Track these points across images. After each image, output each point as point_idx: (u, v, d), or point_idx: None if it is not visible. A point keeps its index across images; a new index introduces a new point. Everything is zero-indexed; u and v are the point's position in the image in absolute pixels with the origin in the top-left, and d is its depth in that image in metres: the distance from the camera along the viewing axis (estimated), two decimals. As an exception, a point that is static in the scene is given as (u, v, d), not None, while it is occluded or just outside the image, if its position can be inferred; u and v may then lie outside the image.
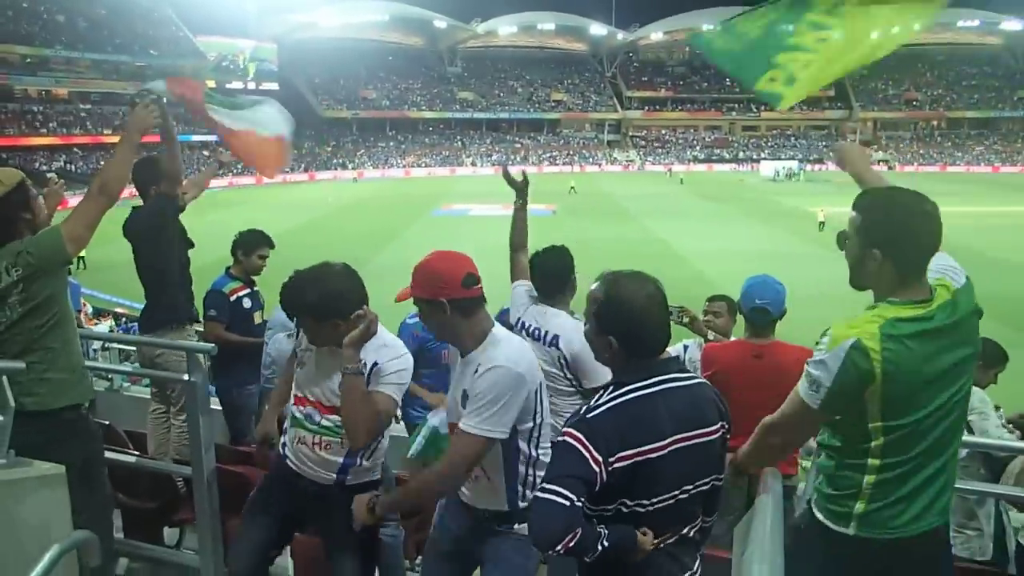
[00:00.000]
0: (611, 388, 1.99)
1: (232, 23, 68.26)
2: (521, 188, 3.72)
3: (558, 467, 1.91)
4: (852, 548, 2.03)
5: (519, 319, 3.46)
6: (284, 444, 2.91)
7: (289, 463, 2.85)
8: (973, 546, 3.69)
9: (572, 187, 48.70)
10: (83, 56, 58.49)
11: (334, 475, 2.79)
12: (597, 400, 1.97)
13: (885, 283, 2.01)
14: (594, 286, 2.05)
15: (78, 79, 58.27)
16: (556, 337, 3.28)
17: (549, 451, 2.30)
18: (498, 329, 2.45)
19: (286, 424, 2.93)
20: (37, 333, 2.81)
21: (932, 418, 1.99)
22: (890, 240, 1.97)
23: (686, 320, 4.01)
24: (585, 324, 2.10)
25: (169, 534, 3.93)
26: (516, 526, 2.47)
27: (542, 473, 2.30)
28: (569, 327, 3.24)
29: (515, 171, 3.78)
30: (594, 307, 2.03)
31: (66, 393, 2.90)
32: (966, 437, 3.21)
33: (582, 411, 1.97)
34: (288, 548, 3.17)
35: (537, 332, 3.37)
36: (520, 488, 2.45)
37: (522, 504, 2.44)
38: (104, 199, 2.92)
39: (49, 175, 4.07)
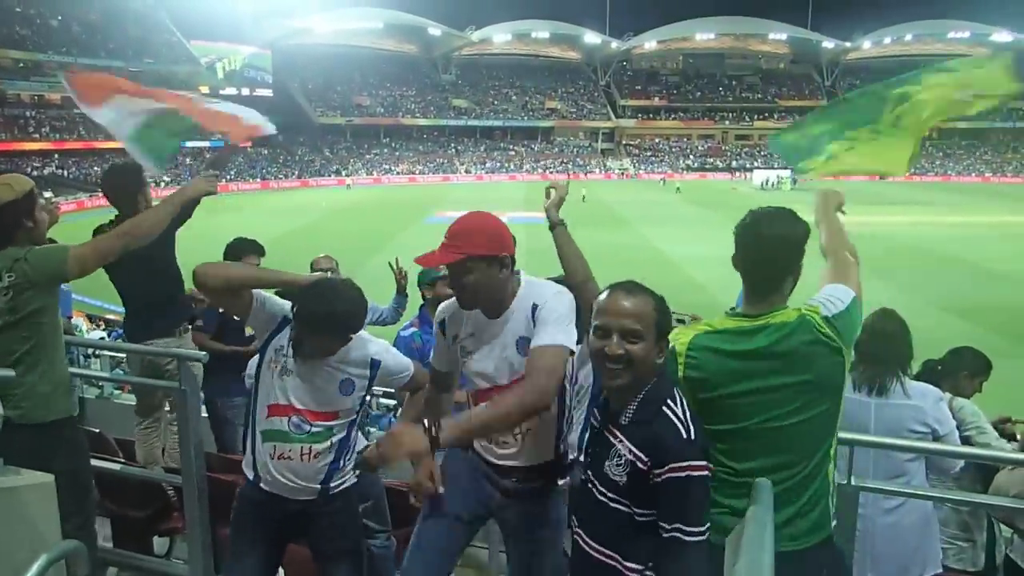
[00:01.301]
0: (677, 400, 2.01)
1: (226, 29, 68.25)
2: (554, 203, 2.89)
3: (702, 506, 1.92)
4: (716, 557, 2.00)
5: None
6: (253, 471, 2.73)
7: (265, 488, 2.70)
8: (966, 557, 3.69)
9: (584, 195, 48.60)
10: (77, 61, 58.26)
11: (319, 486, 2.72)
12: (677, 417, 1.95)
13: (743, 292, 2.23)
14: None
15: (71, 84, 58.19)
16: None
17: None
18: (524, 277, 2.46)
19: (254, 447, 2.72)
20: (21, 345, 2.78)
21: (748, 438, 2.09)
22: (735, 260, 2.23)
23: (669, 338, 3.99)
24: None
25: (159, 543, 3.90)
26: (559, 481, 2.49)
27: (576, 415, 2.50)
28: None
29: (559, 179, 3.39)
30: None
31: (52, 407, 2.88)
32: (970, 449, 3.23)
33: (685, 435, 1.92)
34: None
35: None
36: (564, 430, 2.48)
37: (562, 452, 2.49)
38: (128, 241, 2.98)
39: (47, 193, 3.98)
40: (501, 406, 2.15)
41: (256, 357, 2.80)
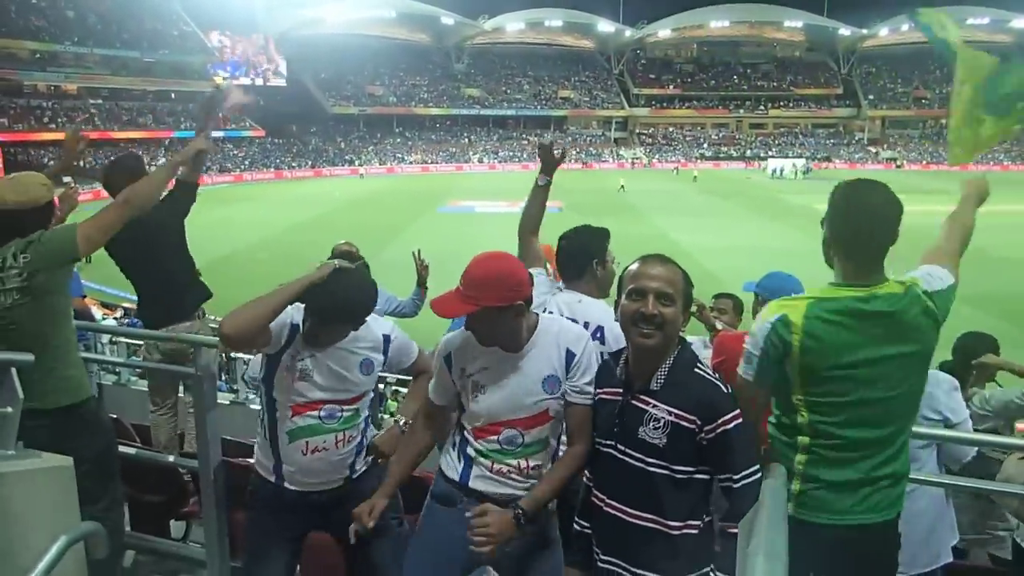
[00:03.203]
0: (700, 361, 2.16)
1: (240, 19, 68.37)
2: (552, 164, 3.44)
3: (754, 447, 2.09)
4: (791, 529, 2.02)
5: (545, 309, 3.03)
6: (275, 474, 2.73)
7: (290, 489, 2.72)
8: (994, 545, 3.69)
9: (622, 185, 48.47)
10: (92, 52, 58.66)
11: (347, 472, 2.77)
12: (710, 375, 2.12)
13: (838, 268, 2.19)
14: None
15: (87, 75, 58.46)
16: (600, 329, 2.93)
17: None
18: (542, 313, 2.49)
19: (277, 451, 2.71)
20: (39, 327, 2.82)
21: (864, 406, 2.09)
22: (837, 230, 2.17)
23: (693, 309, 3.95)
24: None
25: (176, 527, 3.95)
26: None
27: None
28: (611, 318, 2.73)
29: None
30: None
31: (72, 390, 2.92)
32: (983, 436, 3.22)
33: (725, 390, 2.08)
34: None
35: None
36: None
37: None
38: (128, 210, 3.01)
39: (66, 179, 4.03)
40: (564, 471, 2.34)
41: (259, 363, 2.81)
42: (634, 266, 2.17)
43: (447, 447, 2.55)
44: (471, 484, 2.43)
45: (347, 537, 2.68)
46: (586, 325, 2.94)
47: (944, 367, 3.94)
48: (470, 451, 2.45)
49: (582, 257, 3.09)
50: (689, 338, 3.94)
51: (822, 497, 2.12)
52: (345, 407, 2.71)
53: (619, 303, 2.17)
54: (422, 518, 2.57)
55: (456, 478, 2.45)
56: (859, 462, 2.11)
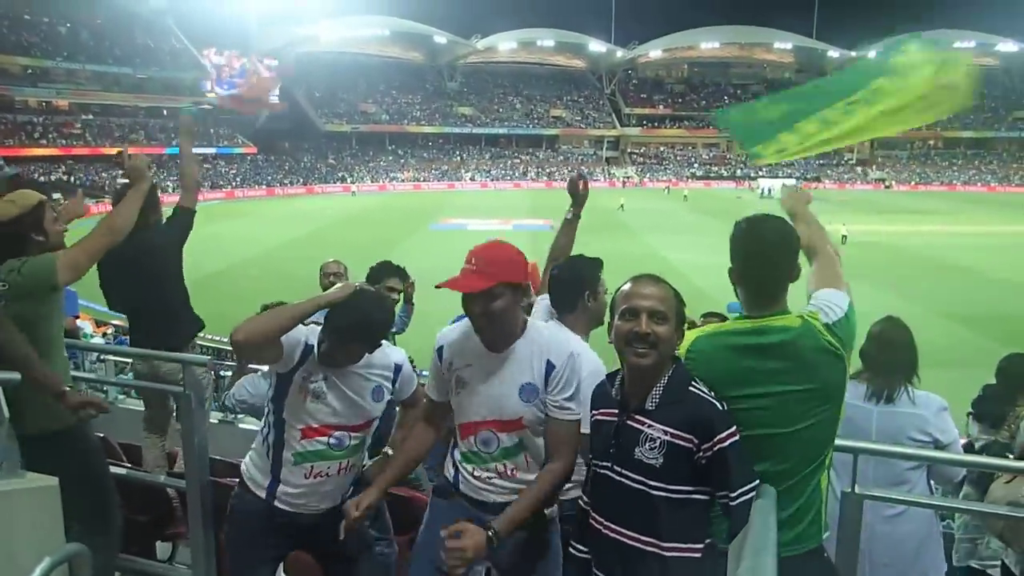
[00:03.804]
0: (696, 380, 2.13)
1: (233, 36, 68.63)
2: (581, 198, 3.64)
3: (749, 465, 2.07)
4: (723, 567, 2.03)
5: None
6: (267, 491, 2.71)
7: (283, 508, 2.70)
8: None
9: (621, 205, 48.84)
10: (84, 67, 58.71)
11: (339, 499, 2.75)
12: (706, 393, 2.09)
13: (741, 299, 2.26)
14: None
15: (78, 90, 58.47)
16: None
17: None
18: (530, 319, 2.50)
19: (278, 471, 2.70)
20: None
21: (762, 441, 2.10)
22: (737, 263, 2.24)
23: (685, 326, 3.95)
24: None
25: (161, 548, 3.90)
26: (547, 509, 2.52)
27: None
28: (583, 352, 2.67)
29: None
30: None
31: (55, 416, 2.88)
32: (972, 457, 3.22)
33: (720, 407, 2.06)
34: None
35: None
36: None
37: None
38: (110, 237, 3.06)
39: (55, 195, 4.00)
40: (540, 490, 2.34)
41: (268, 384, 2.79)
42: (626, 286, 2.17)
43: (450, 447, 2.60)
44: (460, 488, 2.49)
45: (329, 557, 2.68)
46: None
47: (988, 390, 3.92)
48: (457, 455, 2.51)
49: (575, 289, 3.02)
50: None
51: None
52: (354, 434, 2.70)
53: (612, 324, 2.18)
54: (427, 512, 2.64)
55: (450, 479, 2.53)
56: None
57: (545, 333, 2.46)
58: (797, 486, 2.14)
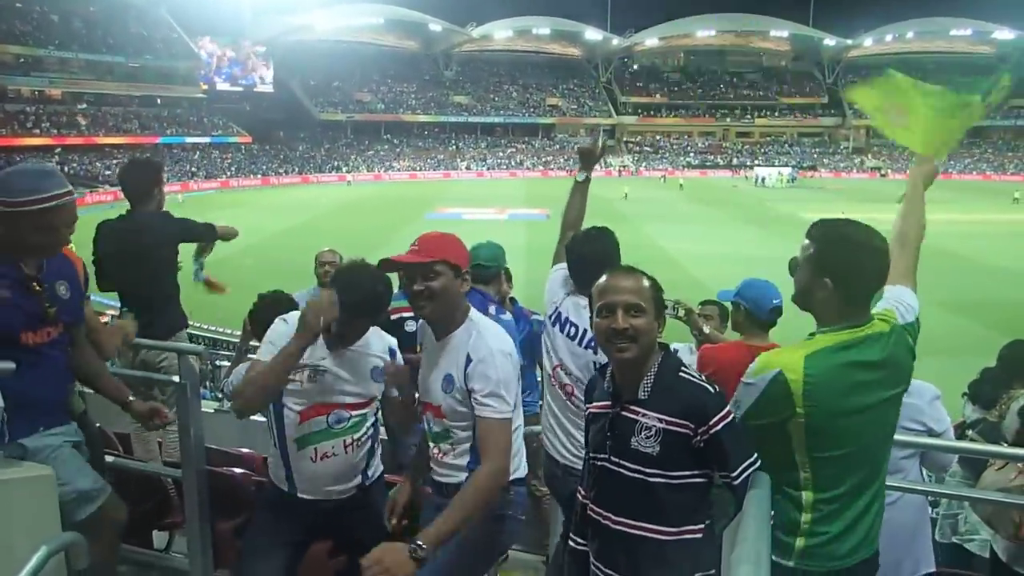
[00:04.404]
0: (685, 365, 2.15)
1: (227, 25, 68.25)
2: (592, 160, 3.59)
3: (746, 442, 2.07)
4: None
5: (556, 309, 3.14)
6: (288, 483, 2.76)
7: (303, 498, 2.74)
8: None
9: (626, 193, 48.85)
10: (77, 56, 58.33)
11: (359, 478, 2.80)
12: (696, 377, 2.11)
13: (830, 312, 2.09)
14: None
15: (72, 80, 58.10)
16: (594, 339, 2.83)
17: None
18: (473, 312, 2.56)
19: (287, 459, 2.74)
20: None
21: (862, 453, 2.07)
22: (842, 272, 2.05)
23: (682, 313, 3.93)
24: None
25: (158, 538, 3.91)
26: None
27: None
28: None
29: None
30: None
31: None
32: (966, 444, 3.25)
33: (712, 390, 2.07)
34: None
35: (574, 330, 3.05)
36: None
37: None
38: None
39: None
40: (464, 498, 2.27)
41: (242, 374, 2.86)
42: (601, 281, 2.17)
43: None
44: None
45: (353, 546, 2.71)
46: (583, 333, 3.03)
47: (986, 374, 3.95)
48: None
49: (600, 264, 2.77)
50: (675, 345, 3.96)
51: (829, 547, 2.08)
52: (352, 412, 2.73)
53: (592, 320, 2.19)
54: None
55: None
56: (857, 501, 2.09)
57: (480, 327, 2.50)
58: (882, 482, 2.16)
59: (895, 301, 2.19)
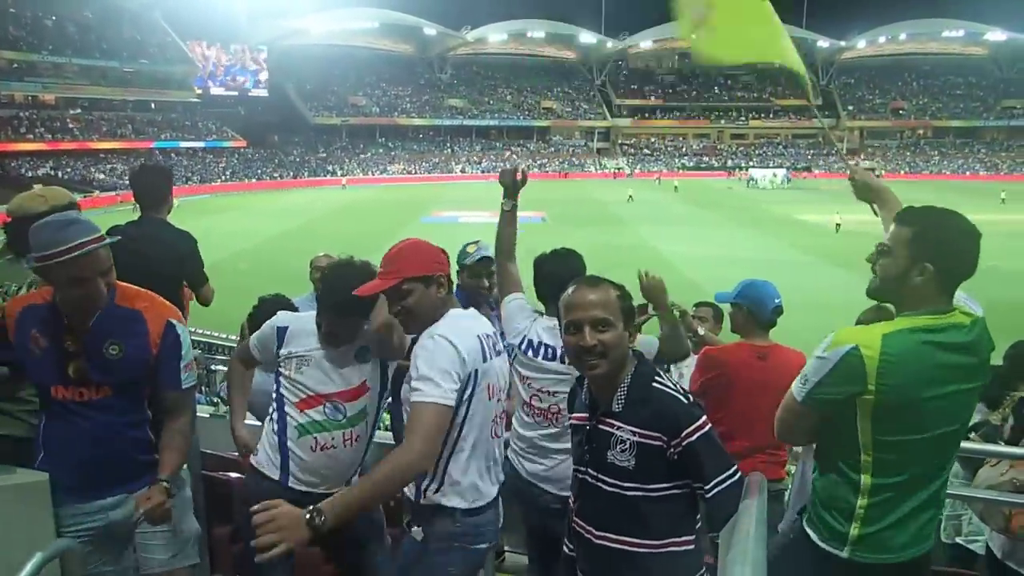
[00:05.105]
0: (662, 374, 2.12)
1: (222, 29, 68.15)
2: (514, 188, 3.27)
3: (724, 450, 2.04)
4: (844, 570, 2.03)
5: (525, 338, 3.03)
6: (281, 470, 2.74)
7: (295, 488, 2.71)
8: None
9: (630, 196, 48.85)
10: (71, 61, 58.17)
11: (354, 476, 2.79)
12: (670, 387, 2.08)
13: (922, 296, 2.01)
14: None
15: (65, 85, 57.91)
16: None
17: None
18: (454, 311, 2.48)
19: (284, 446, 2.74)
20: None
21: (929, 443, 1.99)
22: (944, 256, 1.99)
23: (677, 314, 3.93)
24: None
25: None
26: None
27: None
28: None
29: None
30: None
31: None
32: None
33: (685, 401, 2.06)
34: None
35: (552, 352, 2.96)
36: None
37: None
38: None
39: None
40: (373, 474, 2.11)
41: (264, 376, 2.91)
42: (566, 295, 2.11)
43: None
44: None
45: (341, 547, 2.70)
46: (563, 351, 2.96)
47: (991, 373, 3.93)
48: None
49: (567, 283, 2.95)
50: (640, 338, 3.93)
51: (884, 537, 2.02)
52: (349, 402, 2.74)
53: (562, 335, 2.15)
54: None
55: None
56: (918, 492, 2.03)
57: (448, 320, 2.42)
58: (946, 480, 2.12)
59: (965, 299, 2.14)
